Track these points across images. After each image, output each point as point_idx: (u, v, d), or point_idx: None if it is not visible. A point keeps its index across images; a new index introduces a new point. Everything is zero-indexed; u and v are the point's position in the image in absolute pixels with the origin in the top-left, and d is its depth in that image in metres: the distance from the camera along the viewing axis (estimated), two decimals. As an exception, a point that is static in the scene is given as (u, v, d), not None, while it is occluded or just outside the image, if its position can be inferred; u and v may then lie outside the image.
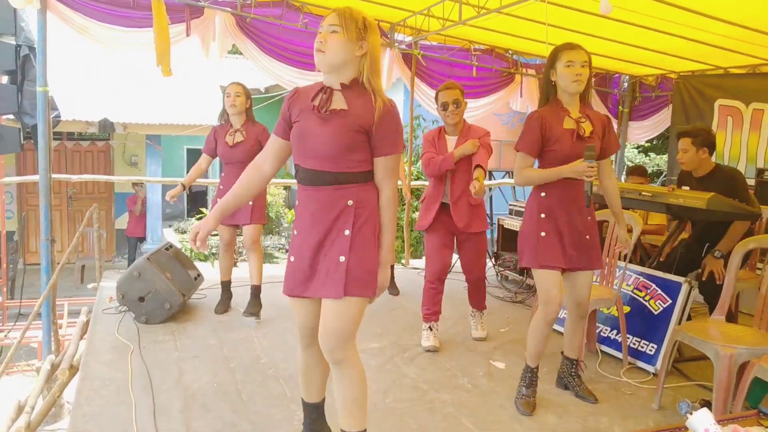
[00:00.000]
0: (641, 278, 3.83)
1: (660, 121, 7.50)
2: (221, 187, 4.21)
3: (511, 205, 6.09)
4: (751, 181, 4.76)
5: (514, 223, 5.62)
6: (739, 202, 3.47)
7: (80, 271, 10.50)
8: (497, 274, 5.73)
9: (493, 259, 5.83)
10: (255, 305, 4.20)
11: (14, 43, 5.04)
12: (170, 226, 12.48)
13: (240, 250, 8.33)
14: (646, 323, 3.65)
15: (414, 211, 10.13)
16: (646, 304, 3.71)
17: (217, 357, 3.56)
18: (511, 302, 5.09)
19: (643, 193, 3.79)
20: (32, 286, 7.78)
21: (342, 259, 2.03)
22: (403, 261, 6.66)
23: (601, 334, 3.85)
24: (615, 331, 3.76)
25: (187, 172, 4.43)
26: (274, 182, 9.14)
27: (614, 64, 6.78)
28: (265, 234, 10.56)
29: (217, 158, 4.30)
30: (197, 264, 5.06)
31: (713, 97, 6.57)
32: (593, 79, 2.90)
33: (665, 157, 11.12)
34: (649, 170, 12.66)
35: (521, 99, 6.89)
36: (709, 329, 2.91)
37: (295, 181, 2.19)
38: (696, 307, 4.41)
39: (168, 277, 4.12)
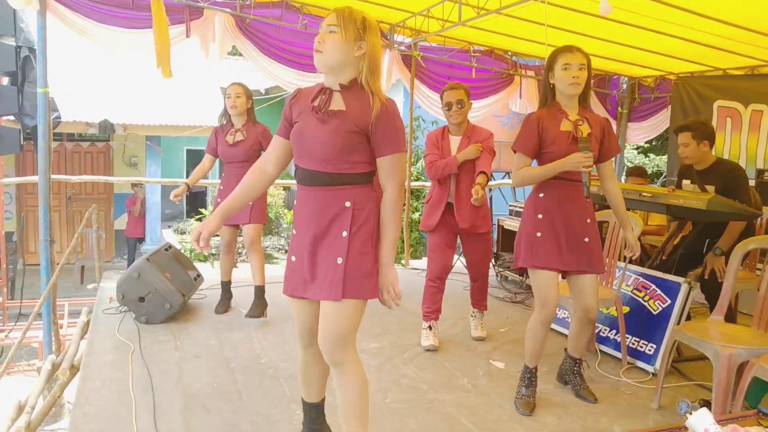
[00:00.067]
0: (641, 278, 3.84)
1: (659, 123, 7.51)
2: (221, 187, 4.21)
3: (511, 205, 6.10)
4: (751, 182, 4.77)
5: (513, 224, 5.63)
6: (740, 203, 3.48)
7: (80, 272, 10.50)
8: (497, 275, 5.74)
9: (493, 260, 5.84)
10: (259, 305, 4.18)
11: (14, 44, 5.04)
12: (169, 226, 12.47)
13: (240, 250, 8.34)
14: (645, 323, 3.66)
15: (414, 212, 10.14)
16: (646, 304, 3.72)
17: (217, 357, 3.56)
18: (510, 302, 5.10)
19: (643, 193, 3.80)
20: (32, 287, 7.77)
21: (339, 261, 2.02)
22: (402, 261, 6.66)
23: (601, 334, 3.85)
24: (614, 331, 3.76)
25: (187, 173, 4.45)
26: (274, 182, 9.12)
27: (613, 65, 6.79)
28: (265, 234, 10.55)
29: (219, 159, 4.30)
30: (197, 264, 5.06)
31: (712, 98, 6.58)
32: (592, 81, 2.91)
33: (665, 157, 11.14)
34: (649, 171, 12.66)
35: (520, 100, 6.90)
36: (709, 329, 2.92)
37: (294, 181, 2.19)
38: (696, 307, 4.42)
39: (168, 278, 4.13)
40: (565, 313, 4.15)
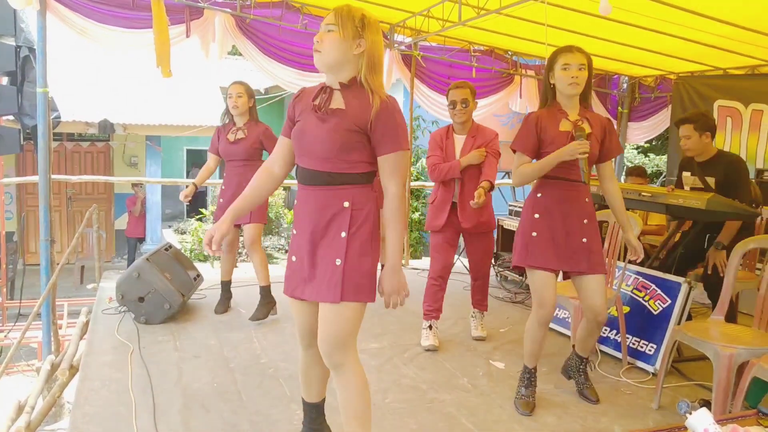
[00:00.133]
0: (640, 278, 3.84)
1: (659, 122, 7.51)
2: (223, 187, 4.22)
3: (510, 205, 6.10)
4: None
5: (513, 224, 5.63)
6: (739, 203, 3.48)
7: (80, 272, 10.50)
8: (497, 275, 5.74)
9: (492, 260, 5.83)
10: (264, 306, 4.17)
11: (14, 44, 5.05)
12: (170, 226, 12.48)
13: (240, 250, 8.33)
14: (645, 323, 3.65)
15: (414, 212, 10.14)
16: (646, 304, 3.72)
17: (216, 357, 3.56)
18: (510, 302, 5.10)
19: (642, 193, 3.80)
20: (32, 287, 7.77)
21: (338, 262, 2.01)
22: (402, 261, 6.66)
23: (601, 333, 3.85)
24: (614, 331, 3.76)
25: (187, 173, 4.46)
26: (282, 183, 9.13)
27: (613, 65, 6.79)
28: (265, 234, 10.56)
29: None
30: (197, 264, 5.06)
31: (712, 97, 6.57)
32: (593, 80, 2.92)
33: (665, 157, 11.13)
34: (649, 171, 12.67)
35: (521, 100, 6.90)
36: (709, 329, 2.91)
37: (294, 181, 2.18)
38: (696, 307, 4.42)
39: (167, 278, 4.12)
40: (565, 313, 4.15)
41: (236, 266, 4.55)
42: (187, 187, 4.17)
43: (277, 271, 4.22)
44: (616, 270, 3.76)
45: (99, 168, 12.35)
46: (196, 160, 13.97)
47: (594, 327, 2.93)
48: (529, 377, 2.97)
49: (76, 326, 4.79)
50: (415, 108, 6.93)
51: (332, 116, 2.02)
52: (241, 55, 5.83)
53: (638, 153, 15.00)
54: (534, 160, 2.85)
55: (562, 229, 2.80)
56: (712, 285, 3.68)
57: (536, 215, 2.85)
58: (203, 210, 11.29)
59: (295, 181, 2.14)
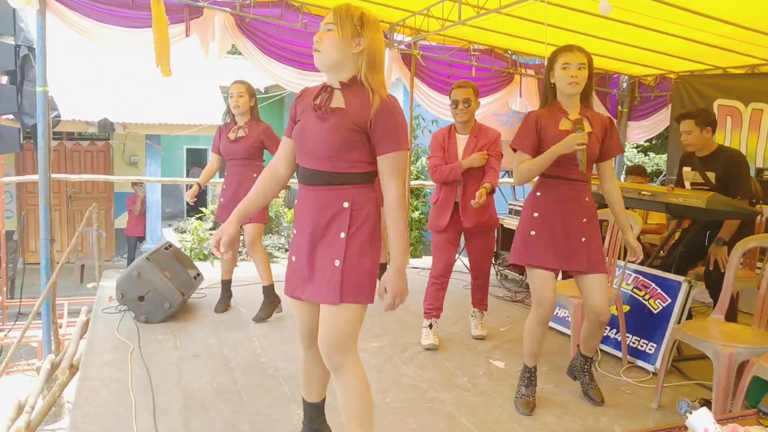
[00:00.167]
0: (640, 277, 3.84)
1: (659, 121, 7.51)
2: (224, 186, 4.22)
3: (510, 204, 6.10)
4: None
5: (513, 223, 5.63)
6: (740, 200, 3.48)
7: (80, 271, 10.50)
8: (497, 274, 5.74)
9: (492, 259, 5.83)
10: (268, 306, 4.17)
11: (14, 43, 5.05)
12: (170, 225, 12.49)
13: (241, 249, 8.33)
14: (645, 322, 3.65)
15: (414, 211, 10.14)
16: (646, 303, 3.72)
17: (216, 357, 3.56)
18: (510, 301, 5.10)
19: (642, 192, 3.80)
20: (32, 286, 7.77)
21: (337, 263, 2.00)
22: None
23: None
24: (614, 330, 3.76)
25: (187, 171, 4.47)
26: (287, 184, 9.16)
27: (613, 64, 6.78)
28: (265, 233, 10.55)
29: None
30: (197, 263, 5.06)
31: (712, 97, 6.57)
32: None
33: (664, 156, 11.13)
34: (649, 170, 12.67)
35: (520, 99, 6.90)
36: (709, 328, 2.91)
37: (295, 180, 2.18)
38: (697, 306, 4.42)
39: (168, 277, 4.12)
40: (565, 312, 4.14)
41: (236, 265, 4.55)
42: (190, 187, 4.19)
43: (278, 270, 4.22)
44: (617, 269, 3.76)
45: (99, 167, 12.35)
46: (195, 159, 13.98)
47: (596, 326, 2.92)
48: (529, 376, 2.97)
49: (76, 325, 4.79)
50: (415, 107, 6.92)
51: (332, 115, 2.01)
52: (240, 54, 5.82)
53: (638, 152, 15.00)
54: None
55: (561, 229, 2.79)
56: (714, 282, 3.67)
57: (535, 214, 2.85)
58: (203, 209, 11.30)
59: (296, 180, 2.14)
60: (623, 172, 8.15)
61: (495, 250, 5.89)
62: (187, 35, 5.04)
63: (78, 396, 3.03)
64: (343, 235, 2.00)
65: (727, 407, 2.58)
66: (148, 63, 5.07)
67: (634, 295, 3.81)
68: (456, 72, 6.35)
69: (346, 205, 2.01)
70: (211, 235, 10.62)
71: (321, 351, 2.08)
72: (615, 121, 7.27)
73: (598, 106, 7.10)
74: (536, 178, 2.88)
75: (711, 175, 3.74)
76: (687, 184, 3.91)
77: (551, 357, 3.59)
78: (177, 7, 4.96)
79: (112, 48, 5.06)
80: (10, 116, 5.74)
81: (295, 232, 2.16)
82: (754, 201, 3.79)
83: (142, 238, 11.58)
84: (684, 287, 3.53)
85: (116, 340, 3.74)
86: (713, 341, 2.70)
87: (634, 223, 3.60)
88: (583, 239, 2.80)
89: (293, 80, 5.58)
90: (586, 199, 2.84)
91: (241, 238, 4.37)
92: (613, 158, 2.93)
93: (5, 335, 6.98)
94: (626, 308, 3.76)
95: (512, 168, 2.95)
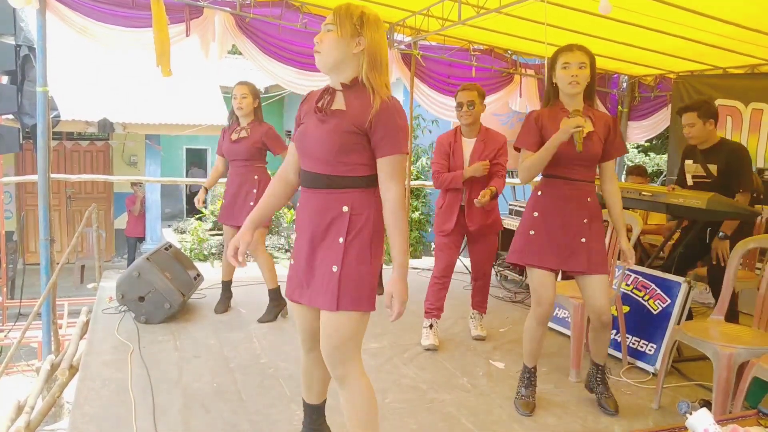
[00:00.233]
0: (640, 278, 3.84)
1: (659, 121, 7.50)
2: (226, 188, 4.22)
3: (511, 205, 6.10)
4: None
5: (514, 223, 5.62)
6: (742, 194, 3.48)
7: (80, 271, 10.50)
8: (497, 274, 5.74)
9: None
10: (273, 309, 4.17)
11: (14, 43, 5.05)
12: (169, 226, 12.48)
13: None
14: (645, 323, 3.65)
15: (414, 211, 10.14)
16: (646, 303, 3.72)
17: (216, 357, 3.56)
18: (510, 302, 5.10)
19: (642, 192, 3.80)
20: (32, 286, 7.77)
21: (335, 269, 1.96)
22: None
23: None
24: (614, 331, 3.75)
25: (187, 172, 4.47)
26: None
27: (613, 64, 6.78)
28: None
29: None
30: (197, 264, 5.06)
31: (712, 97, 6.55)
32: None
33: (665, 156, 11.14)
34: (649, 170, 12.67)
35: (520, 99, 6.90)
36: (709, 329, 2.91)
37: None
38: (697, 306, 4.42)
39: (168, 277, 4.12)
40: (565, 313, 4.14)
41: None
42: (190, 187, 4.18)
43: (279, 271, 4.22)
44: (616, 269, 3.76)
45: (98, 167, 12.35)
46: (195, 159, 13.97)
47: (599, 327, 2.90)
48: (528, 377, 2.97)
49: (76, 326, 4.79)
50: (415, 107, 6.92)
51: (332, 117, 1.99)
52: (240, 54, 5.82)
53: (638, 152, 15.00)
54: None
55: (561, 229, 2.79)
56: (716, 278, 3.66)
57: (535, 213, 2.85)
58: (203, 210, 11.29)
59: None
60: (624, 172, 8.15)
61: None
62: (187, 35, 5.04)
63: (78, 396, 3.02)
64: (341, 240, 1.97)
65: (726, 408, 2.58)
66: (148, 63, 5.07)
67: (634, 295, 3.81)
68: (456, 72, 6.35)
69: (345, 209, 1.97)
70: (210, 235, 10.63)
71: (324, 361, 2.06)
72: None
73: (597, 106, 7.09)
74: (539, 177, 2.87)
75: (713, 168, 3.74)
76: (689, 177, 3.91)
77: (551, 357, 3.59)
78: (177, 7, 4.96)
79: (112, 48, 5.06)
80: (10, 116, 5.73)
81: (296, 235, 2.15)
82: (755, 195, 3.78)
83: (141, 239, 11.58)
84: (684, 288, 3.52)
85: (116, 341, 3.74)
86: (713, 342, 2.70)
87: (634, 224, 3.60)
88: (583, 240, 2.79)
89: (293, 80, 5.58)
90: (588, 199, 2.82)
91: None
92: (615, 158, 2.92)
93: (5, 336, 6.98)
94: (626, 309, 3.76)
95: (516, 168, 2.95)
